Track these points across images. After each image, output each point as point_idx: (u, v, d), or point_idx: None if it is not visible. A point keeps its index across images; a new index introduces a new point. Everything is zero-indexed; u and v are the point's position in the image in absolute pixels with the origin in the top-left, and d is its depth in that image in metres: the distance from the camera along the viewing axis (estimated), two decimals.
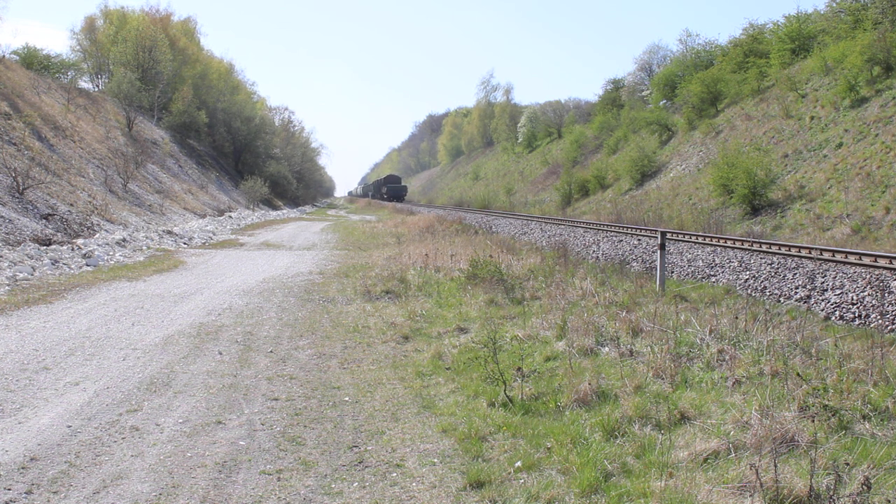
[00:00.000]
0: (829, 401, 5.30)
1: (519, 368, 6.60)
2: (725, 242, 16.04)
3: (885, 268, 11.14)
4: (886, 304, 9.77)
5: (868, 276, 10.90)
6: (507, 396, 6.27)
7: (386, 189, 78.82)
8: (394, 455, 5.21)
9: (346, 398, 6.59)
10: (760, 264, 13.32)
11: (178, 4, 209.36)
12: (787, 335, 7.75)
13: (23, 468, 4.83)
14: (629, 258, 16.89)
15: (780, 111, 28.10)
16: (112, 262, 16.60)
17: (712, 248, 15.72)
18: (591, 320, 8.60)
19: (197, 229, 28.47)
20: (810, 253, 13.19)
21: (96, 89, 48.76)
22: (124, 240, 20.47)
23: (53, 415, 5.91)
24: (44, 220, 19.28)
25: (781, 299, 11.50)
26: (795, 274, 12.17)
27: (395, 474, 4.88)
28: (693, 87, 36.28)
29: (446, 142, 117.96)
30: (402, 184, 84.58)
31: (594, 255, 18.54)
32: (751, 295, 12.02)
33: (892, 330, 9.16)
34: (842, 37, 28.84)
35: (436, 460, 5.11)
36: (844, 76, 24.68)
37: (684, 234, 18.56)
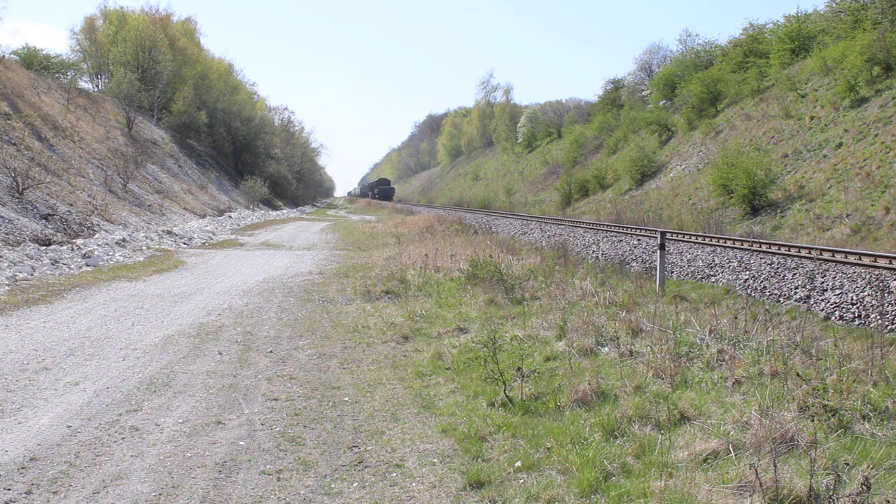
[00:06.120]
0: (828, 401, 5.30)
1: (519, 368, 6.60)
2: (725, 242, 16.04)
3: (885, 268, 11.15)
4: (886, 304, 9.77)
5: (868, 276, 10.90)
6: (507, 396, 6.27)
7: (378, 190, 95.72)
8: (394, 455, 5.21)
9: (346, 398, 6.60)
10: (760, 264, 13.32)
11: (178, 4, 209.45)
12: (786, 335, 7.75)
13: (23, 468, 4.83)
14: (629, 258, 16.89)
15: (779, 111, 28.10)
16: (112, 263, 16.60)
17: (712, 248, 15.72)
18: (591, 320, 8.60)
19: (197, 229, 28.46)
20: (810, 253, 13.19)
21: (96, 89, 48.76)
22: (124, 240, 20.47)
23: (53, 415, 5.91)
24: (43, 221, 19.27)
25: (781, 299, 11.50)
26: (795, 274, 12.17)
27: (394, 474, 4.88)
28: (693, 87, 36.26)
29: (446, 142, 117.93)
30: (391, 186, 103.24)
31: (594, 255, 18.54)
32: (751, 295, 12.02)
33: (891, 330, 9.16)
34: (841, 37, 28.83)
35: (436, 460, 5.11)
36: (844, 76, 24.67)
37: (684, 234, 18.56)
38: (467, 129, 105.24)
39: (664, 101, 45.17)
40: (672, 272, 14.83)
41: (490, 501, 4.43)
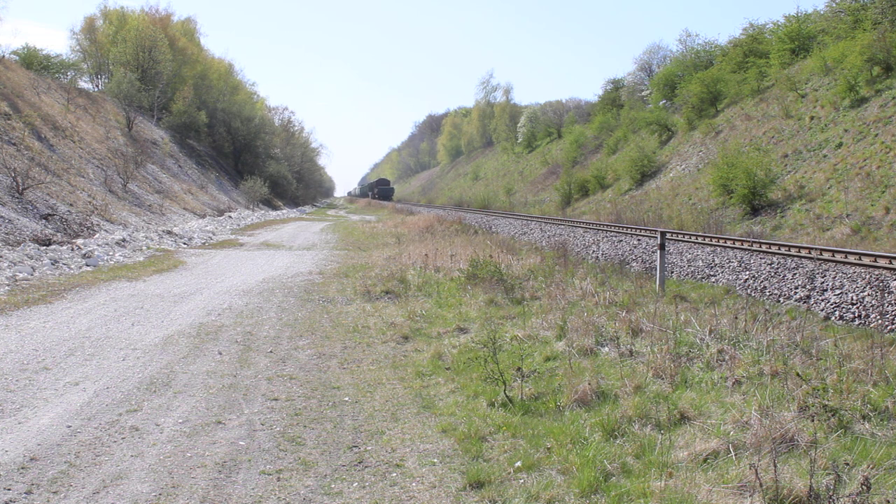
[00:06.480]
0: (828, 401, 5.30)
1: (519, 368, 6.60)
2: (725, 242, 16.04)
3: (884, 268, 11.14)
4: (886, 304, 9.76)
5: (868, 276, 10.90)
6: (507, 396, 6.27)
7: (377, 190, 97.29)
8: (393, 455, 5.21)
9: (346, 398, 6.59)
10: (760, 264, 13.32)
11: (178, 4, 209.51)
12: (786, 335, 7.75)
13: (23, 468, 4.83)
14: (629, 258, 16.89)
15: (779, 111, 28.10)
16: (112, 263, 16.60)
17: (712, 248, 15.72)
18: (591, 320, 8.60)
19: (197, 229, 28.46)
20: (810, 253, 13.19)
21: (96, 89, 48.75)
22: (124, 240, 20.47)
23: (53, 415, 5.91)
24: (43, 221, 19.27)
25: (781, 299, 11.50)
26: (795, 274, 12.17)
27: (394, 474, 4.88)
28: (693, 87, 36.26)
29: (446, 142, 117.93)
30: (391, 186, 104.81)
31: (594, 255, 18.54)
32: (750, 295, 12.01)
33: (891, 330, 9.16)
34: (841, 37, 28.83)
35: (435, 460, 5.11)
36: (844, 76, 24.67)
37: (684, 234, 18.56)
38: (467, 129, 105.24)
39: (664, 101, 45.17)
40: (672, 272, 14.83)
41: (490, 501, 4.43)
